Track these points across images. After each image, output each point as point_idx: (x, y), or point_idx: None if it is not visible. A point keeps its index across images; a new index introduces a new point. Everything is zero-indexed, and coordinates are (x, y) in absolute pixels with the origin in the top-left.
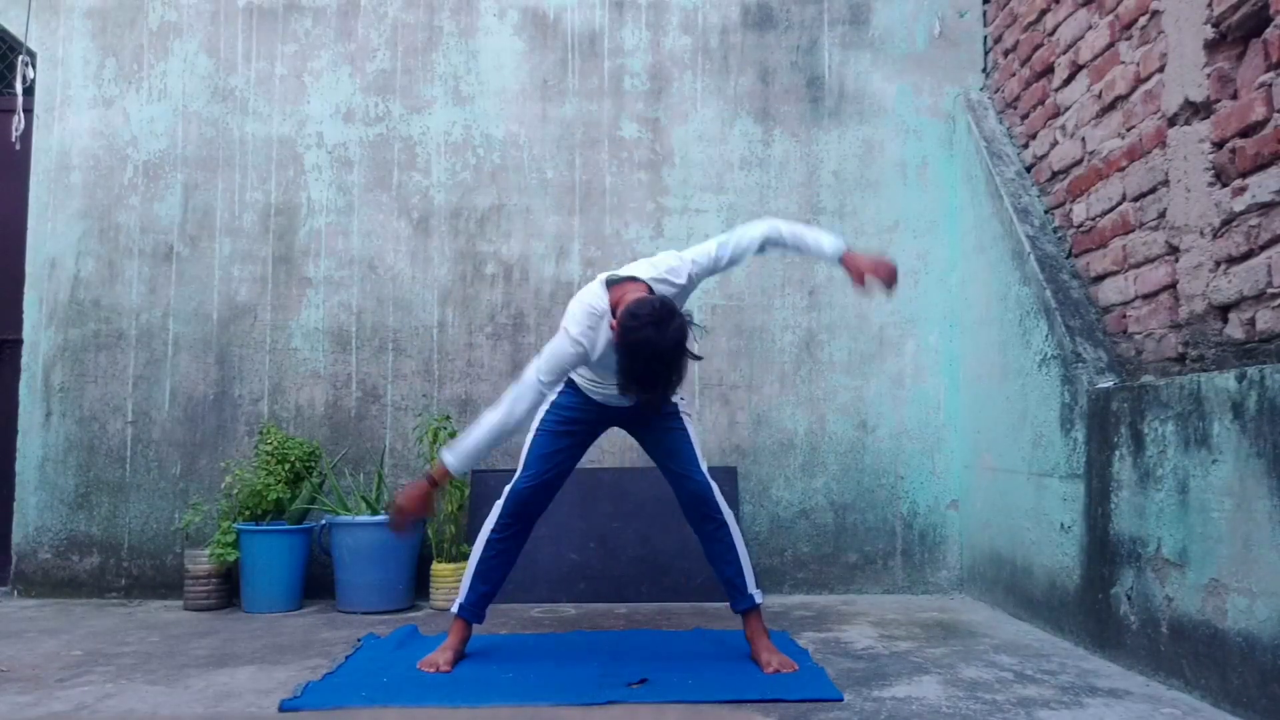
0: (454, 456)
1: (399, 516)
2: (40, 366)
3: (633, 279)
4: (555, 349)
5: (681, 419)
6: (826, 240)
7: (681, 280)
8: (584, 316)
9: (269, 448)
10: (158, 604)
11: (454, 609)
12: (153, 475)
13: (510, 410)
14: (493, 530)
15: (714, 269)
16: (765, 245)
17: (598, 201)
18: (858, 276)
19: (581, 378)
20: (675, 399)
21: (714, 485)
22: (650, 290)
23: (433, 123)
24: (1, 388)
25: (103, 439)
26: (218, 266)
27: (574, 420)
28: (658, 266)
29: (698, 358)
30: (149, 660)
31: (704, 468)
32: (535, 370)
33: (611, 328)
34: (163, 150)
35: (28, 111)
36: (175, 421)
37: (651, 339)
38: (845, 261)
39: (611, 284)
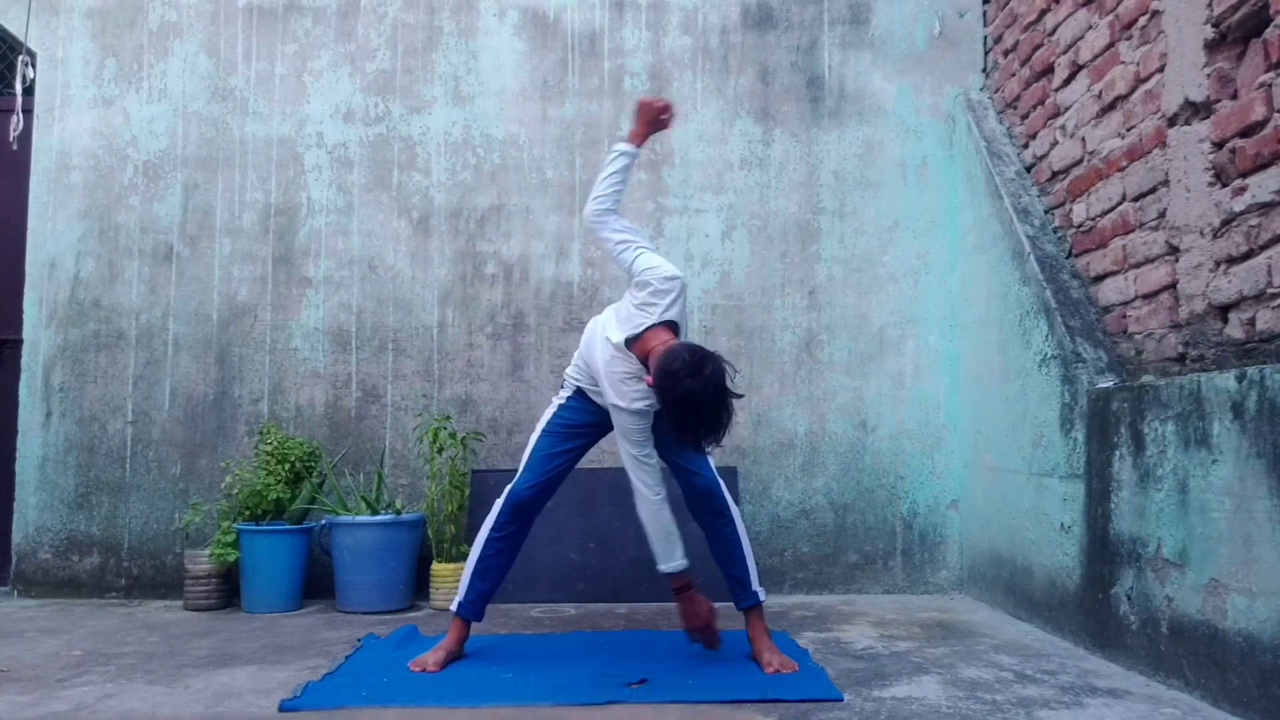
0: (673, 560)
1: (709, 633)
2: (40, 366)
3: (652, 327)
4: (634, 424)
5: None
6: (615, 162)
7: (669, 299)
8: (627, 383)
9: (269, 448)
10: (158, 604)
11: (453, 607)
12: (153, 475)
13: (653, 480)
14: (492, 529)
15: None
16: (607, 218)
17: None
18: (654, 125)
19: (594, 388)
20: None
21: (721, 483)
22: (672, 331)
23: (433, 123)
24: (1, 388)
25: (103, 439)
26: (218, 266)
27: (581, 424)
28: (649, 308)
29: (739, 395)
30: (149, 660)
31: (712, 465)
32: (628, 448)
33: (649, 384)
34: (163, 150)
35: (28, 111)
36: (175, 421)
37: (694, 391)
38: (638, 141)
39: (631, 342)
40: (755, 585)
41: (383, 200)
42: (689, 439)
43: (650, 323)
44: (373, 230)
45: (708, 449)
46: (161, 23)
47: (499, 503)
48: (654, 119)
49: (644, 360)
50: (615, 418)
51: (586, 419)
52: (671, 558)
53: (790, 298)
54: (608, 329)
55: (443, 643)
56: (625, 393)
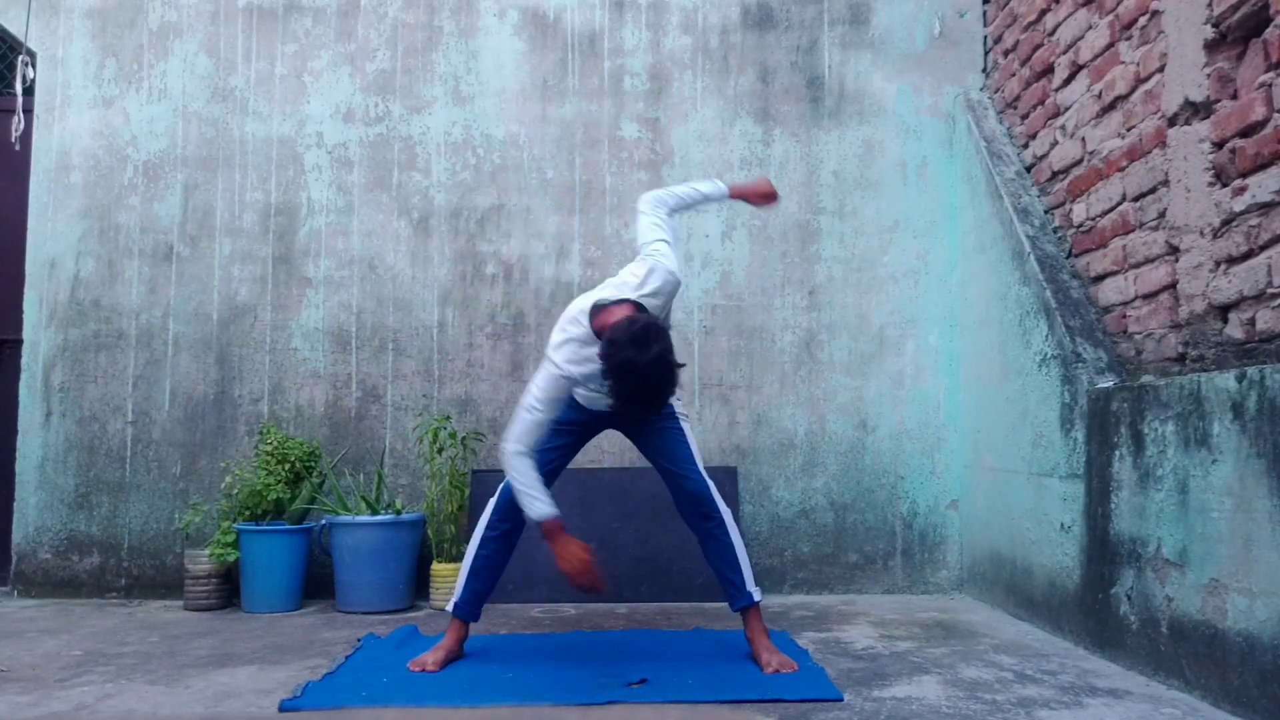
0: (538, 507)
1: (587, 576)
2: (40, 366)
3: (621, 301)
4: (544, 381)
5: (678, 419)
6: (706, 187)
7: (657, 284)
8: (567, 345)
9: (269, 448)
10: (158, 604)
11: (449, 608)
12: (153, 475)
13: (524, 442)
14: (486, 528)
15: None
16: (660, 210)
17: (598, 201)
18: (756, 200)
19: (577, 393)
20: (672, 400)
21: (711, 484)
22: (638, 308)
23: (433, 123)
24: (2, 388)
25: (103, 439)
26: (218, 266)
27: (568, 420)
28: (631, 285)
29: (681, 365)
30: (149, 660)
31: (701, 467)
32: (531, 402)
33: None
34: (163, 150)
35: (28, 112)
36: (175, 421)
37: (632, 360)
38: (735, 194)
39: (597, 310)
40: (750, 586)
41: (383, 200)
42: (624, 405)
43: (628, 296)
44: (373, 230)
45: (641, 418)
46: (161, 23)
47: (492, 502)
48: (762, 194)
49: (598, 333)
50: (540, 373)
51: (573, 415)
52: (539, 506)
53: (790, 298)
54: (592, 293)
55: (442, 643)
56: (561, 349)
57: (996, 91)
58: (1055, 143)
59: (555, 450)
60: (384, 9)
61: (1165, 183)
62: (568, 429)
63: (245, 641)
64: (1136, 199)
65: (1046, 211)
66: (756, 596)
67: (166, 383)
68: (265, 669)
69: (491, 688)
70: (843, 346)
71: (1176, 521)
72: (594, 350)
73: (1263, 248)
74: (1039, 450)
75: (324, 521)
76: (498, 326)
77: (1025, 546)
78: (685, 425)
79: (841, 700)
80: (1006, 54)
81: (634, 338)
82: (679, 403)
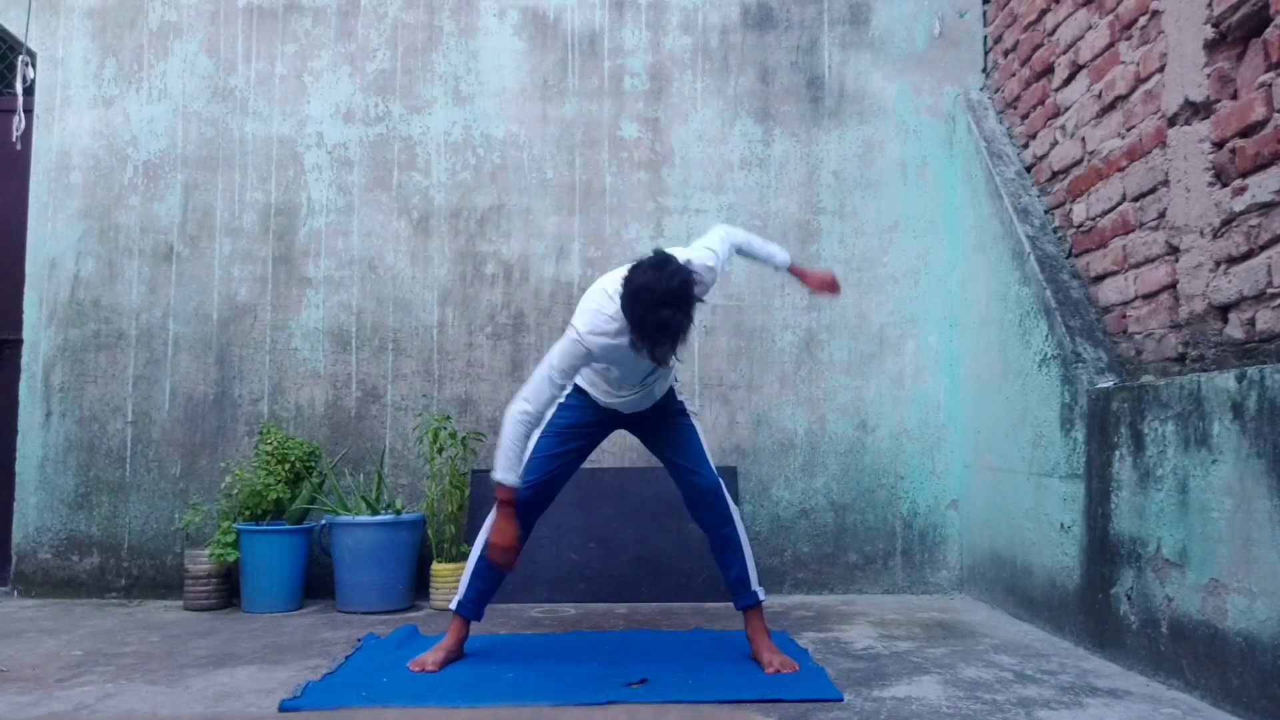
0: (507, 472)
1: (506, 555)
2: (40, 366)
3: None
4: (563, 349)
5: (689, 416)
6: (776, 250)
7: (696, 264)
8: (593, 315)
9: (269, 448)
10: (158, 604)
11: (452, 606)
12: (153, 475)
13: (534, 402)
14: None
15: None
16: (731, 249)
17: (598, 201)
18: (814, 285)
19: (594, 387)
20: (681, 398)
21: (722, 483)
22: None
23: (433, 123)
24: (1, 388)
25: (103, 439)
26: (218, 266)
27: (581, 424)
28: (692, 254)
29: (701, 300)
30: (149, 660)
31: (712, 465)
32: (548, 368)
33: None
34: (163, 150)
35: (28, 111)
36: (175, 421)
37: (651, 283)
38: (794, 271)
39: None
40: (755, 585)
41: (383, 200)
42: (644, 338)
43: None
44: (373, 230)
45: (660, 357)
46: (161, 23)
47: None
48: (824, 283)
49: None
50: (562, 340)
51: (587, 417)
52: (508, 472)
53: (790, 298)
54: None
55: (442, 643)
56: (584, 318)
57: (996, 91)
58: (1055, 143)
59: (565, 455)
60: (384, 9)
61: (1165, 183)
62: (583, 431)
63: (245, 641)
64: (1136, 199)
65: (1046, 211)
66: (761, 595)
67: (166, 383)
68: (265, 669)
69: (491, 688)
70: (843, 346)
71: (1176, 521)
72: (618, 321)
73: (1263, 248)
74: (1039, 450)
75: (324, 521)
76: (498, 326)
77: (1025, 546)
78: (696, 424)
79: (841, 700)
80: (1006, 54)
81: (656, 264)
82: (689, 402)
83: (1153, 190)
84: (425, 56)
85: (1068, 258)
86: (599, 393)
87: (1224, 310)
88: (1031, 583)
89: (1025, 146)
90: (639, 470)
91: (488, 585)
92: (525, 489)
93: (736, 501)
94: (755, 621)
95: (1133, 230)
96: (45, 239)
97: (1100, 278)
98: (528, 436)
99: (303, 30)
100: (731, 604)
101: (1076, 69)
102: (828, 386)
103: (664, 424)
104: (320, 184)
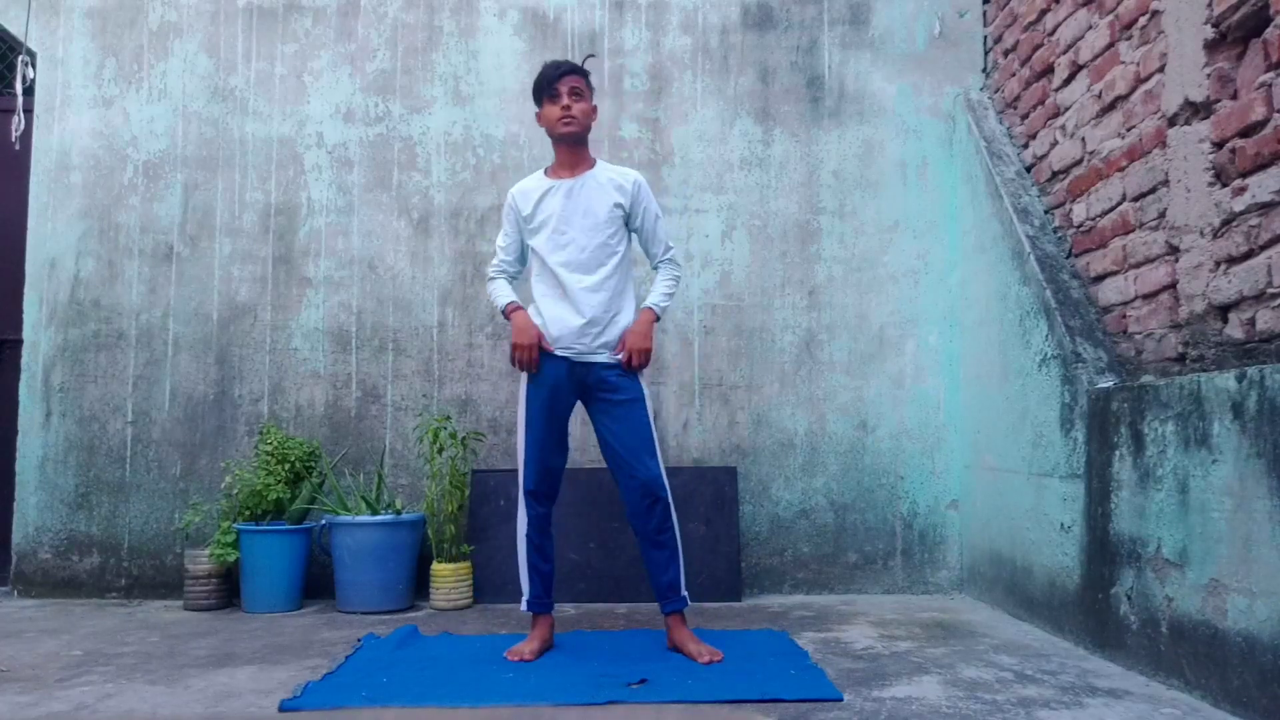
0: (502, 300)
1: (531, 352)
2: (40, 366)
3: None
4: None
5: (641, 389)
6: (660, 296)
7: (626, 189)
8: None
9: (269, 448)
10: (158, 604)
11: (524, 608)
12: (153, 475)
13: (495, 264)
14: (527, 530)
15: (643, 242)
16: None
17: None
18: (625, 339)
19: (534, 310)
20: (640, 375)
21: (666, 480)
22: None
23: (433, 123)
24: (1, 388)
25: (103, 439)
26: (218, 266)
27: (544, 399)
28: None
29: (591, 55)
30: (149, 660)
31: (659, 458)
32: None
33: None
34: (163, 150)
35: (28, 111)
36: (175, 421)
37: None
38: (641, 314)
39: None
40: (684, 590)
41: (383, 200)
42: (545, 90)
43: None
44: (373, 230)
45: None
46: (161, 23)
47: (520, 505)
48: (625, 344)
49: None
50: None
51: (545, 389)
52: (501, 300)
53: (790, 298)
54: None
55: (532, 634)
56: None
57: (996, 91)
58: (1055, 143)
59: (547, 432)
60: (384, 9)
61: (1165, 183)
62: (545, 406)
63: (245, 641)
64: (1136, 199)
65: (1046, 211)
66: (689, 600)
67: (166, 383)
68: (265, 669)
69: (491, 688)
70: (843, 346)
71: (1176, 521)
72: (539, 176)
73: (1263, 248)
74: (1039, 450)
75: (324, 521)
76: (498, 326)
77: (1025, 546)
78: (648, 405)
79: (841, 700)
80: (1006, 54)
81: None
82: (644, 379)
83: (1153, 190)
84: (425, 56)
85: (1068, 258)
86: (553, 301)
87: (1224, 310)
88: (1031, 583)
89: (1025, 146)
90: None
91: (544, 576)
92: (532, 481)
93: (736, 502)
94: (680, 624)
95: (1133, 230)
96: (45, 239)
97: (1100, 278)
98: (506, 284)
99: (303, 30)
100: (733, 603)
101: (1076, 69)
102: (828, 386)
103: (616, 401)
104: (320, 184)
